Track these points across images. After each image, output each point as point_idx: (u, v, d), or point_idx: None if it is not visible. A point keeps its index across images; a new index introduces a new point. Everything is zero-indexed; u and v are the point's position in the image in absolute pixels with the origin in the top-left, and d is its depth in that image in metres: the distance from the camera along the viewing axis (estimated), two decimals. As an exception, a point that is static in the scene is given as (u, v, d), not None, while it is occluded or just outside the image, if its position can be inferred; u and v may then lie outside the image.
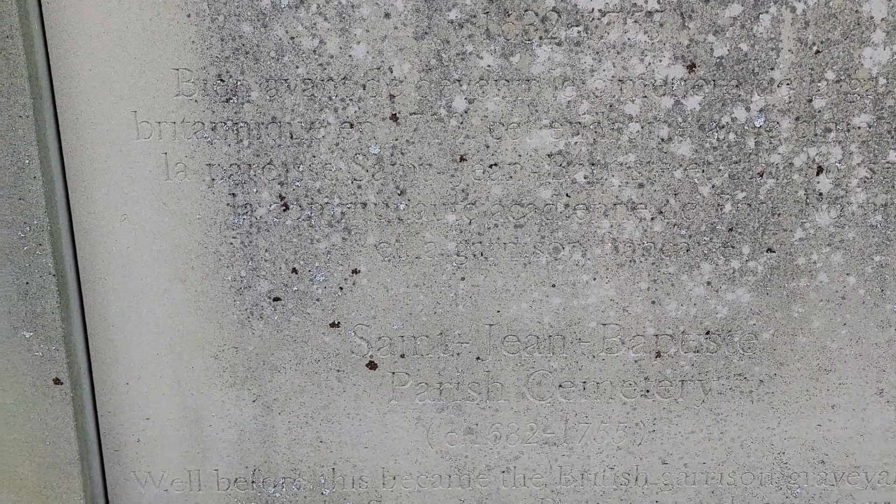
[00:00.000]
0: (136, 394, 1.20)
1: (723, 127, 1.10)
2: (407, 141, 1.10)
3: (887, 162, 1.11)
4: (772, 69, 1.07)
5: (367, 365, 1.20)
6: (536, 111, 1.09)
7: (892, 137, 1.10)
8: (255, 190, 1.11)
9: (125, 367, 1.19)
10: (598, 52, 1.06)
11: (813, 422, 1.24)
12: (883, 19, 1.05)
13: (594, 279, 1.17)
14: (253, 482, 1.26)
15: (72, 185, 1.10)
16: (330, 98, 1.07)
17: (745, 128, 1.10)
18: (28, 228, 1.06)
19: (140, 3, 1.03)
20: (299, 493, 1.26)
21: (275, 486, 1.26)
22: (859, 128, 1.10)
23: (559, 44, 1.06)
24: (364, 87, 1.07)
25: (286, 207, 1.12)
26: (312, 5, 1.04)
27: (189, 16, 1.03)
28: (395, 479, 1.26)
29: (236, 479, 1.25)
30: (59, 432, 1.14)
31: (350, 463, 1.25)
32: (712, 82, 1.08)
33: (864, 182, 1.12)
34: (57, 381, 1.12)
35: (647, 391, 1.23)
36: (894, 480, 1.27)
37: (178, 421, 1.22)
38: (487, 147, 1.10)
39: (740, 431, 1.25)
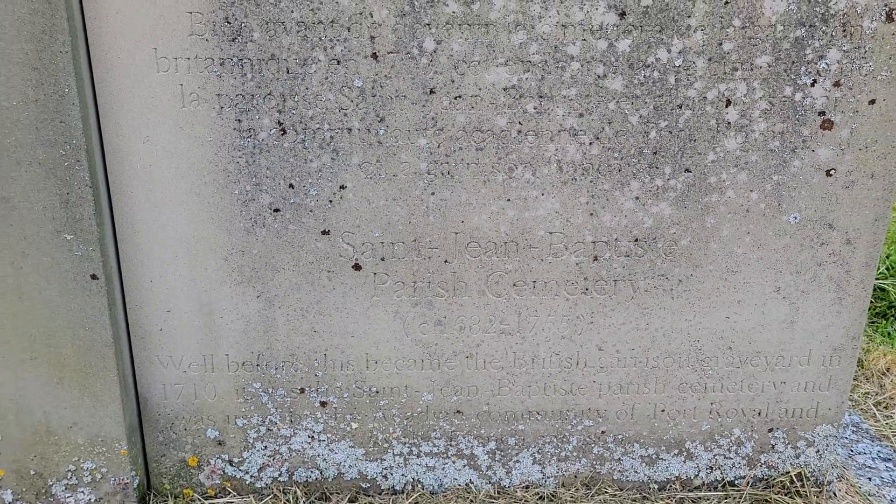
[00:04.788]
0: (159, 290, 1.43)
1: (648, 66, 1.32)
2: (385, 76, 1.31)
3: (784, 96, 1.34)
4: (689, 17, 1.29)
5: (352, 266, 1.44)
6: (493, 51, 1.30)
7: (787, 75, 1.33)
8: (257, 117, 1.32)
9: (149, 267, 1.41)
10: (544, 1, 1.27)
11: (722, 315, 1.49)
12: (781, -24, 1.27)
13: (542, 194, 1.40)
14: (257, 365, 1.50)
15: (102, 112, 1.30)
16: (320, 38, 1.28)
17: (667, 67, 1.32)
18: (68, 147, 1.26)
19: (158, -44, 1.22)
20: (296, 375, 1.51)
21: (276, 369, 1.50)
22: (761, 67, 1.32)
23: (512, -6, 1.26)
24: (349, 29, 1.27)
25: (284, 132, 1.34)
26: (305, -41, 1.23)
27: (201, -33, 1.23)
28: (376, 363, 1.51)
29: (243, 363, 1.49)
30: (95, 320, 1.37)
31: (339, 349, 1.50)
32: (640, 28, 1.29)
33: (765, 113, 1.35)
34: (94, 277, 1.34)
35: (586, 289, 1.47)
36: (788, 363, 1.53)
37: (194, 313, 1.45)
38: (453, 82, 1.32)
39: (663, 323, 1.50)
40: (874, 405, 2.11)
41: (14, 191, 1.27)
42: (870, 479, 1.72)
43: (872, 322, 2.53)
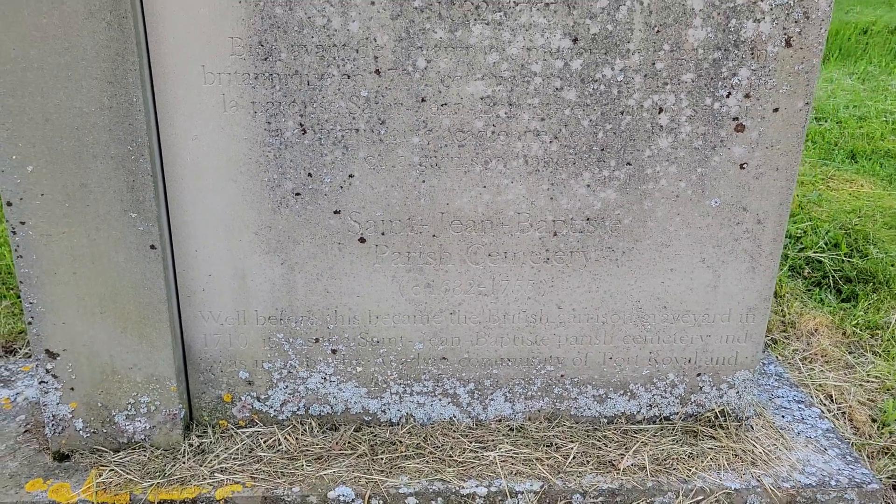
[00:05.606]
0: (202, 258, 1.76)
1: (596, 80, 1.65)
2: (386, 88, 1.63)
3: (705, 105, 1.67)
4: (628, 42, 1.61)
5: (358, 240, 1.77)
6: (472, 68, 1.62)
7: (707, 88, 1.66)
8: (283, 119, 1.65)
9: (195, 240, 1.74)
10: (513, 30, 1.59)
11: (658, 280, 1.84)
12: (701, 10, 1.59)
13: (512, 182, 1.73)
14: (280, 319, 1.84)
15: (160, 116, 1.62)
16: (334, 58, 1.60)
17: (611, 81, 1.65)
18: (134, 144, 1.59)
19: (206, -8, 1.54)
20: (312, 327, 1.85)
21: (296, 322, 1.85)
22: (686, 82, 1.65)
23: (487, 24, 1.59)
24: (357, 50, 1.60)
25: (304, 132, 1.66)
26: (323, -4, 1.55)
27: (240, 1, 1.54)
28: (377, 318, 1.86)
29: (269, 317, 1.84)
30: (153, 282, 1.71)
31: (347, 307, 1.84)
32: (589, 51, 1.62)
33: (690, 118, 1.68)
34: (152, 247, 1.68)
35: (548, 259, 1.81)
36: (713, 320, 1.88)
37: (230, 277, 1.79)
38: (440, 92, 1.64)
39: (610, 286, 1.85)
40: (800, 360, 2.48)
41: (91, 178, 1.60)
42: (783, 416, 2.09)
43: (809, 290, 2.89)
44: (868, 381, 2.36)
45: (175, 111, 1.62)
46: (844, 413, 2.22)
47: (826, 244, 3.05)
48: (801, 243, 3.08)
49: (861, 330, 2.61)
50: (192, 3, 1.54)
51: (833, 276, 2.91)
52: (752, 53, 1.63)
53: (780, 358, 2.47)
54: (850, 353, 2.51)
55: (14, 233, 1.63)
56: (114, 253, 1.67)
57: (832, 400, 2.28)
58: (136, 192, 1.62)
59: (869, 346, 2.54)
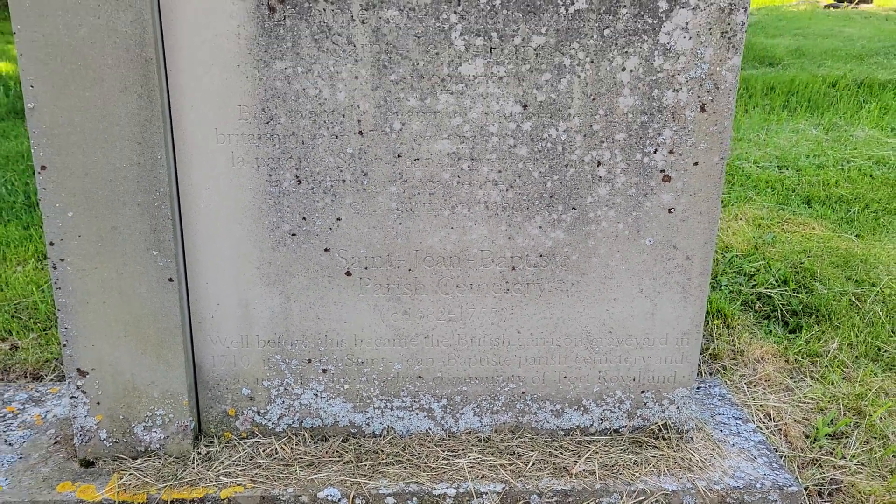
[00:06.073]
0: (212, 289, 2.07)
1: (544, 139, 1.97)
2: (368, 145, 1.96)
3: (636, 159, 1.99)
4: (569, 108, 1.94)
5: (345, 273, 2.08)
6: (440, 129, 1.95)
7: (637, 146, 1.98)
8: (282, 172, 1.97)
9: (205, 274, 2.05)
10: (473, 98, 1.93)
11: (603, 308, 2.14)
12: (628, 82, 1.93)
13: (475, 224, 2.04)
14: (278, 342, 2.13)
15: (179, 169, 1.95)
16: (325, 121, 1.93)
17: (556, 140, 1.97)
18: (157, 193, 1.90)
19: (220, 68, 1.87)
20: (306, 349, 2.14)
21: (291, 345, 2.14)
22: (619, 140, 1.98)
23: (452, 93, 1.92)
24: (343, 115, 1.93)
25: (299, 182, 1.98)
26: (315, 71, 1.89)
27: (247, 77, 1.88)
28: (362, 341, 2.15)
29: (268, 341, 2.13)
30: (170, 310, 2.01)
31: (335, 331, 2.13)
32: (537, 115, 1.95)
33: (624, 170, 2.00)
34: (170, 280, 1.98)
35: (508, 290, 2.11)
36: (652, 343, 2.17)
37: (235, 306, 2.09)
38: (413, 149, 1.97)
39: (562, 314, 2.14)
40: (745, 384, 2.76)
41: (120, 222, 1.92)
42: (721, 430, 2.36)
43: (759, 322, 3.18)
44: (804, 402, 2.63)
45: (191, 166, 1.95)
46: (780, 430, 2.49)
47: (776, 281, 3.35)
48: (754, 280, 3.38)
49: (802, 357, 2.89)
50: (207, 79, 1.87)
51: (781, 310, 3.20)
52: (674, 117, 1.96)
53: (727, 382, 2.75)
54: (790, 377, 2.79)
55: (55, 268, 1.94)
56: (138, 285, 1.97)
57: (770, 418, 2.55)
58: (157, 233, 1.94)
59: (808, 372, 2.82)
